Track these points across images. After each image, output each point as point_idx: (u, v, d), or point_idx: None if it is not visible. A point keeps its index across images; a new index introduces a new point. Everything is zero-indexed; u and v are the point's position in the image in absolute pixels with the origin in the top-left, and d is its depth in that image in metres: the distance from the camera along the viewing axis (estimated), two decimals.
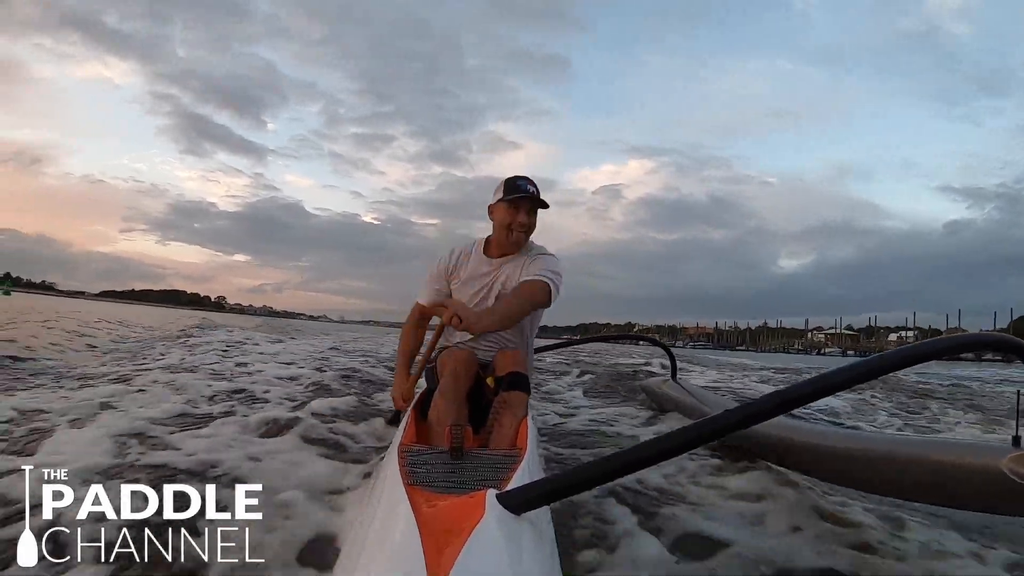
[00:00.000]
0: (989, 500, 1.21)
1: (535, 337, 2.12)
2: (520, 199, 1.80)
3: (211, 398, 2.73)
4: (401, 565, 0.59)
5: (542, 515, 0.90)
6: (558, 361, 6.65)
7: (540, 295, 1.76)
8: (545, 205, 1.86)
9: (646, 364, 6.30)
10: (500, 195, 1.83)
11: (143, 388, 2.83)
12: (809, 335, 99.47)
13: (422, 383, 1.96)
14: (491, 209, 1.89)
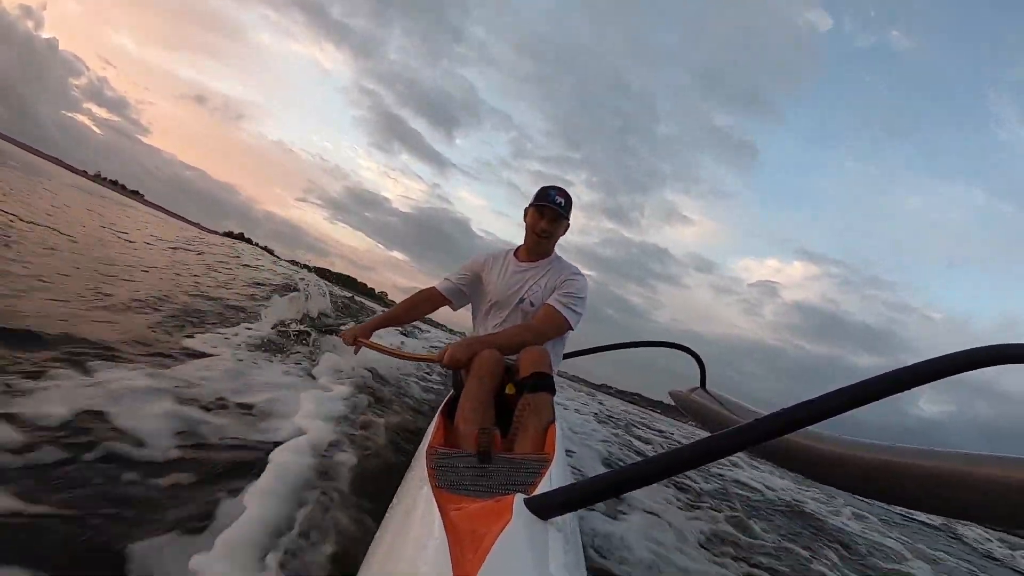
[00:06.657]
0: None
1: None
2: (545, 206, 1.96)
3: None
4: (428, 568, 0.59)
5: (570, 521, 0.88)
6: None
7: (555, 329, 1.87)
8: (566, 218, 1.99)
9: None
10: (532, 200, 2.00)
11: None
12: None
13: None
14: (525, 213, 2.06)
